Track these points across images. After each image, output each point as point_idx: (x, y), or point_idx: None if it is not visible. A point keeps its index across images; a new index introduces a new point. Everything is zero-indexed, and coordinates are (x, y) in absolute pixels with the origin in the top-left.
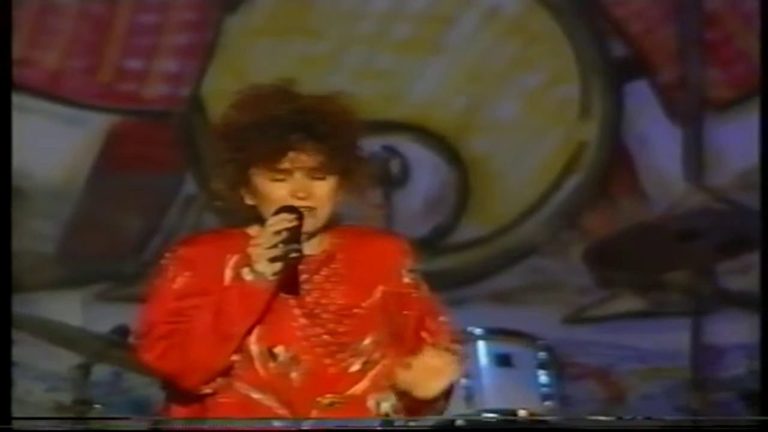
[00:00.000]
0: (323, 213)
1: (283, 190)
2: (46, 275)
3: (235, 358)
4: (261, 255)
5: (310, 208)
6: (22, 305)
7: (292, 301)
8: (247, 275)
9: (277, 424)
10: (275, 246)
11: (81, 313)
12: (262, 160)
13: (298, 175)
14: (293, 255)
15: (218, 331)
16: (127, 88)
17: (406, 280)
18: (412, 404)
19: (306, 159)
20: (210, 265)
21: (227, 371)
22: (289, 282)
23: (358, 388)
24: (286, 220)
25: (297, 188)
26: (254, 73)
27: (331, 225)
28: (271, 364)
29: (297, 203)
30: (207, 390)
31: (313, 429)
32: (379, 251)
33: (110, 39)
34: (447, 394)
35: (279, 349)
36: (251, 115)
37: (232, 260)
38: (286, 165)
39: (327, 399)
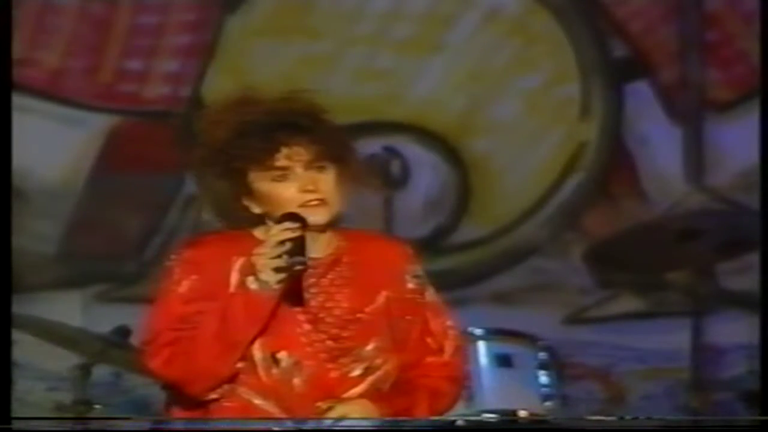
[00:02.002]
0: (334, 205)
1: (290, 188)
2: (46, 275)
3: (239, 364)
4: (265, 265)
5: (322, 201)
6: (22, 305)
7: (296, 306)
8: (251, 284)
9: (277, 428)
10: (279, 256)
11: (81, 314)
12: (257, 162)
13: (299, 169)
14: (298, 267)
15: (223, 339)
16: (127, 88)
17: (410, 285)
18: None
19: (302, 151)
20: (216, 268)
21: (233, 378)
22: (293, 293)
23: (355, 391)
24: (289, 230)
25: (304, 182)
26: (254, 73)
27: (337, 227)
28: (274, 370)
29: (307, 198)
30: (212, 396)
31: (313, 429)
32: (383, 256)
33: (110, 39)
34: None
35: (282, 355)
36: (226, 126)
37: (238, 263)
38: (283, 162)
39: (326, 404)
